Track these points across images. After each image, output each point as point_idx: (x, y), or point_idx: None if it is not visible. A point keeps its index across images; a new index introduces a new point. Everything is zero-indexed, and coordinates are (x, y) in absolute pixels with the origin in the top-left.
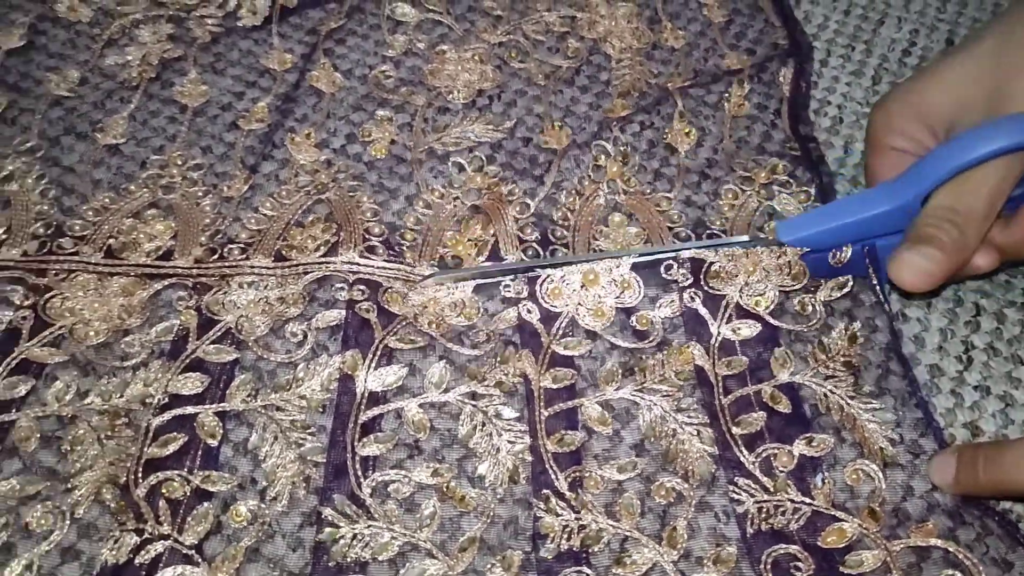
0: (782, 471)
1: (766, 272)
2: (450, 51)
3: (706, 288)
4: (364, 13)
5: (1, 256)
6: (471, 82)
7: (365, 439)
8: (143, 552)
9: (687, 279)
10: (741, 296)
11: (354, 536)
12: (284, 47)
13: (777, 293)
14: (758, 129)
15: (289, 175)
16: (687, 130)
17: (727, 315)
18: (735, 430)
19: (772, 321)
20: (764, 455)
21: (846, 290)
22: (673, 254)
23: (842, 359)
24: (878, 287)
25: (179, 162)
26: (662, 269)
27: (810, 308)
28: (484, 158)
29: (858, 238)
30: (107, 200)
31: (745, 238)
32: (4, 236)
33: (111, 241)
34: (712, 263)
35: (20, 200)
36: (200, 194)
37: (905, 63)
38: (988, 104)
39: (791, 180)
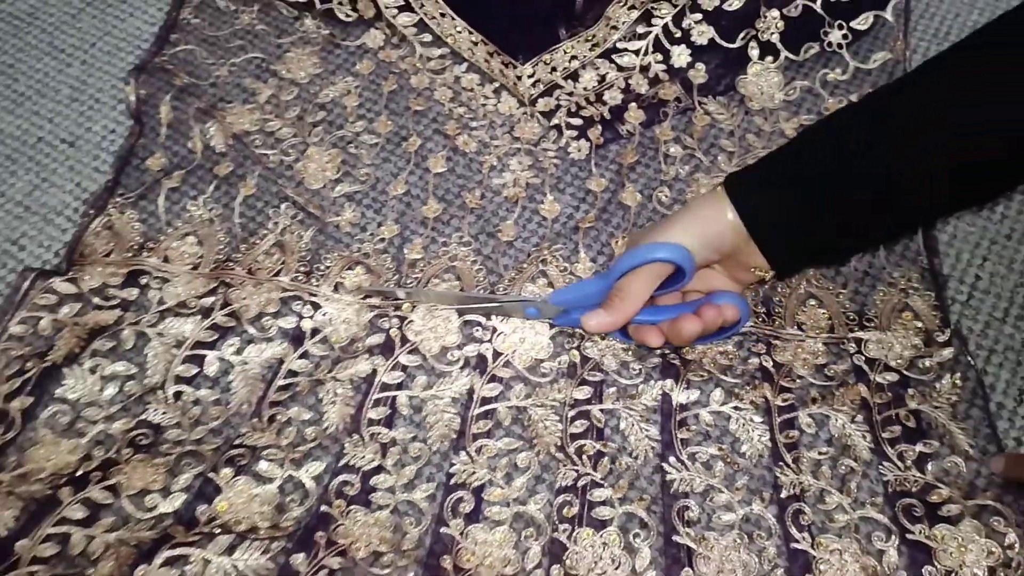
0: None
1: None
2: (702, 178)
3: None
4: (645, 148)
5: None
6: None
7: (683, 428)
8: None
9: None
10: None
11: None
12: (598, 173)
13: None
14: None
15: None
16: None
17: None
18: None
19: None
20: None
21: None
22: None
23: None
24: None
25: (553, 257)
26: None
27: None
28: None
29: (586, 303)
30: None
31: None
32: None
33: None
34: None
35: None
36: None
37: None
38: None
39: None
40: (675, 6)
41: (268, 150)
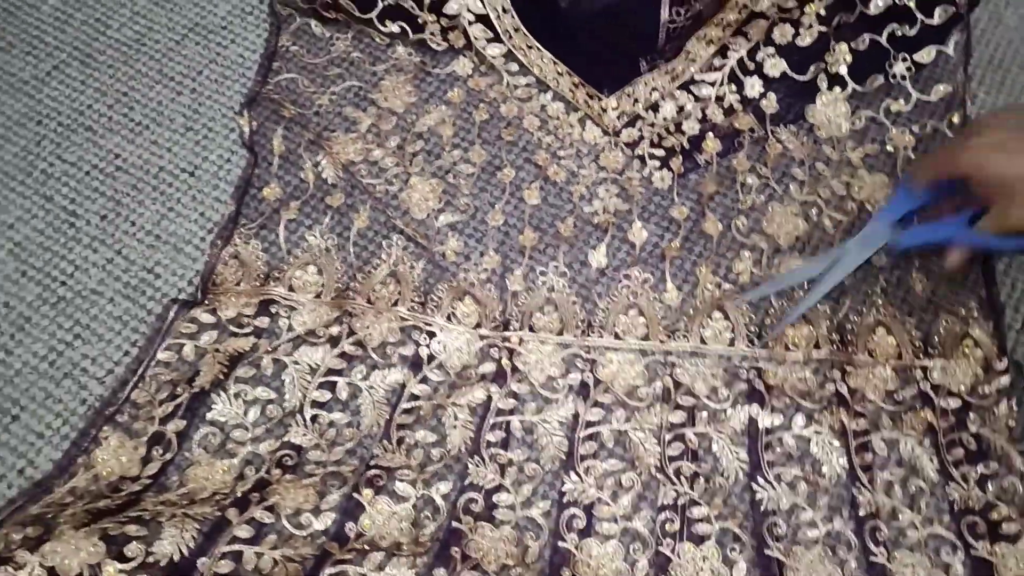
0: None
1: None
2: (776, 207)
3: None
4: (722, 177)
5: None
6: (789, 231)
7: (769, 451)
8: None
9: None
10: None
11: None
12: (680, 202)
13: None
14: None
15: (699, 292)
16: None
17: None
18: None
19: None
20: None
21: None
22: None
23: None
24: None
25: (643, 289)
26: None
27: None
28: None
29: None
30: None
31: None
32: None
33: None
34: None
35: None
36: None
37: None
38: None
39: None
40: (749, 40)
41: (374, 180)
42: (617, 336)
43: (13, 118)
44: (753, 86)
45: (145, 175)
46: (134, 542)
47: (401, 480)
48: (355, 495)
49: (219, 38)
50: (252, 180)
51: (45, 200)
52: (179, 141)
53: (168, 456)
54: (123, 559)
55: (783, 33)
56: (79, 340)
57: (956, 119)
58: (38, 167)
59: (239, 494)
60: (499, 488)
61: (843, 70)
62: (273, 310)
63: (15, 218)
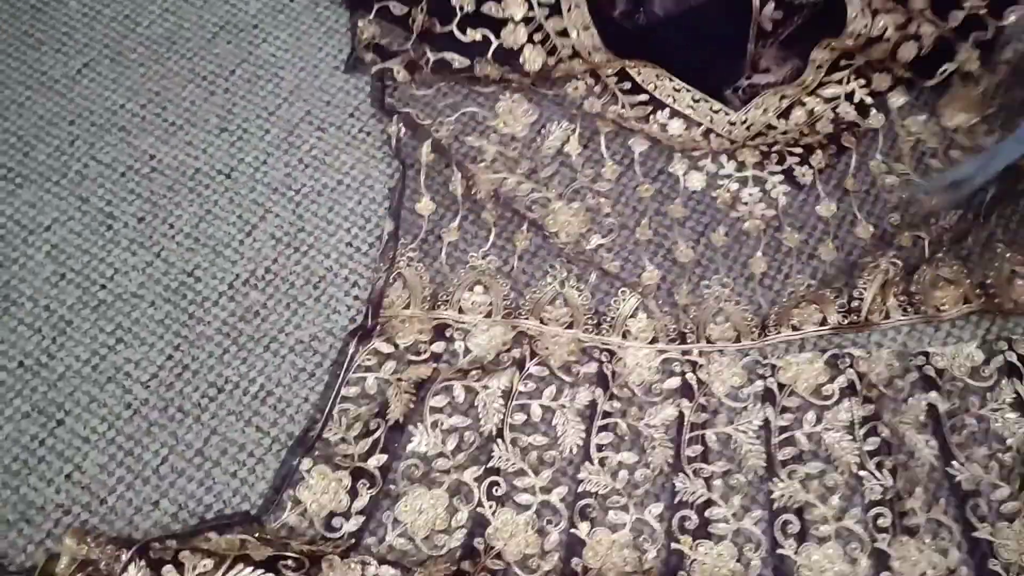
0: None
1: None
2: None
3: None
4: (862, 179)
5: None
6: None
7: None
8: None
9: None
10: None
11: None
12: (826, 199)
13: None
14: None
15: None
16: None
17: None
18: None
19: None
20: None
21: None
22: None
23: None
24: None
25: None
26: None
27: None
28: None
29: None
30: None
31: None
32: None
33: None
34: None
35: None
36: None
37: None
38: None
39: None
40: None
41: (519, 205)
42: (795, 328)
43: (45, 117)
44: (881, 80)
45: (181, 176)
46: None
47: (613, 508)
48: (573, 531)
49: (250, 36)
50: (405, 193)
51: (81, 201)
52: (214, 142)
53: (374, 491)
54: None
55: (907, 51)
56: (121, 344)
57: None
58: (72, 168)
59: (463, 547)
60: (709, 503)
61: (974, 67)
62: (448, 334)
63: (51, 219)
